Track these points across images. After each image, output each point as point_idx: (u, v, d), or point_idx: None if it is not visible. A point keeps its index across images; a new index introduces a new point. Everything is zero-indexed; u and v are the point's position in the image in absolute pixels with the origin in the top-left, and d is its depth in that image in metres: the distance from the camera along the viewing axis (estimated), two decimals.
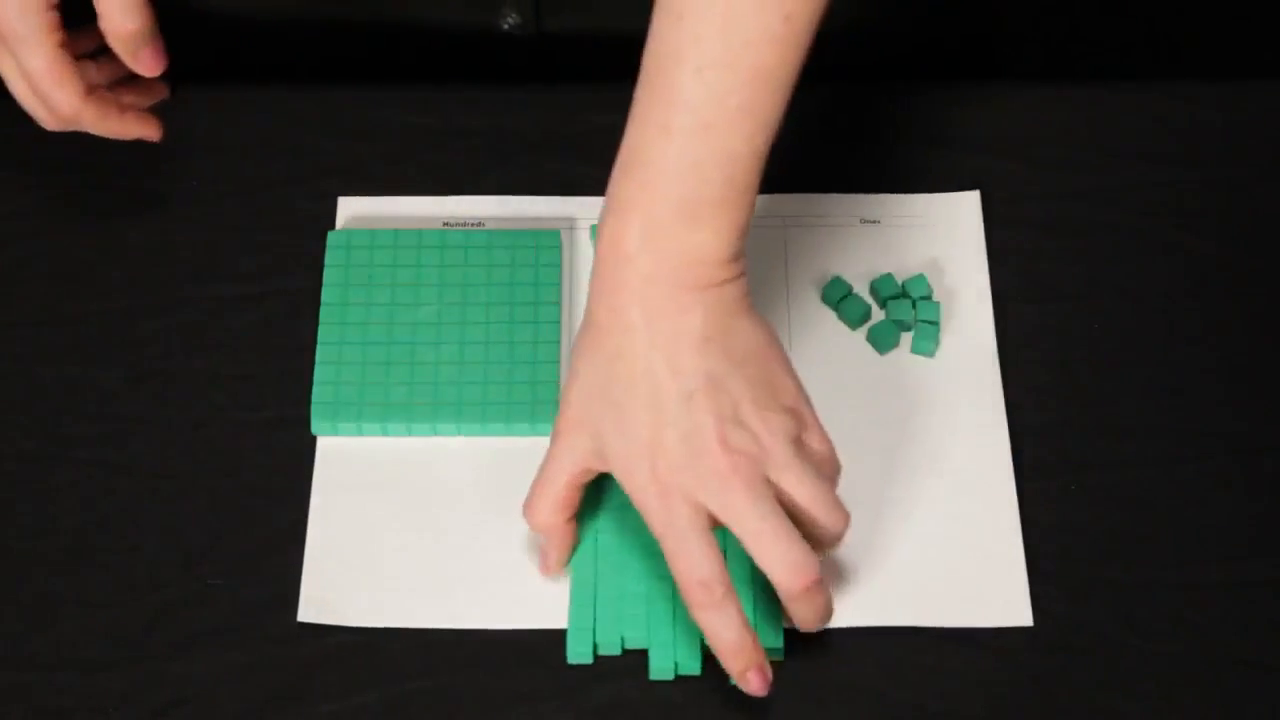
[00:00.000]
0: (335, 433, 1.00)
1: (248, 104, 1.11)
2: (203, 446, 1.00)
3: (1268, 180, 1.09)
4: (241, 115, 1.11)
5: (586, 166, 1.09)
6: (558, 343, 1.03)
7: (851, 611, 0.95)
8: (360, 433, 1.00)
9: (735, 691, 0.92)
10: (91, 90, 0.97)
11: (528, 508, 0.93)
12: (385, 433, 1.00)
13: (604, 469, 0.91)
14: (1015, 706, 0.93)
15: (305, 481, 0.99)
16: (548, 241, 1.06)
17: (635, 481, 0.89)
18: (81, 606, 0.95)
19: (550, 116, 1.11)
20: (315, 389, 1.00)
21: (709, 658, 0.93)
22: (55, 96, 0.95)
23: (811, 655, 0.94)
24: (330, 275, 1.04)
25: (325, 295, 1.04)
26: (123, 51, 0.96)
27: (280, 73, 1.15)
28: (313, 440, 1.00)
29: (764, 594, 0.94)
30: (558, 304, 1.04)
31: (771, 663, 0.93)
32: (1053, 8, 1.19)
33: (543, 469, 0.93)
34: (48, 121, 0.98)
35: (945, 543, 0.97)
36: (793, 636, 0.94)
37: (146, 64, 0.96)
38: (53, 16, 0.94)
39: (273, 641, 0.94)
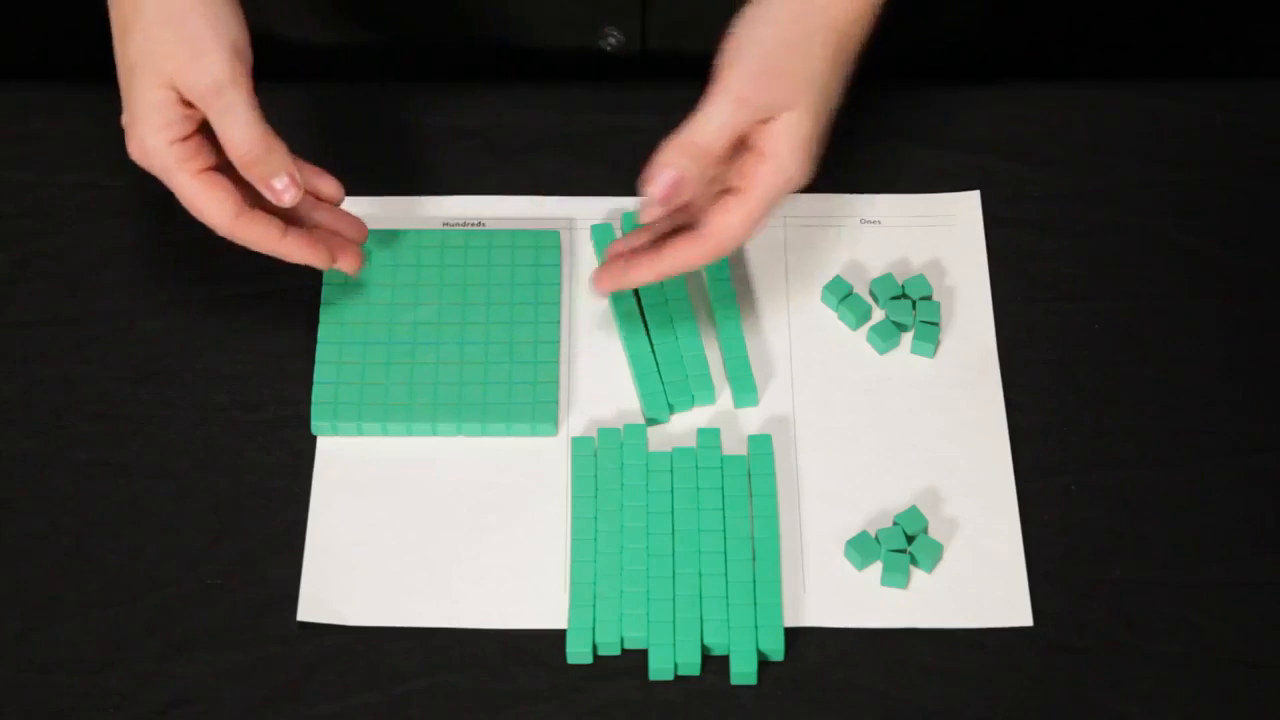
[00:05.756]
0: (335, 433, 1.00)
1: None
2: (203, 446, 1.00)
3: (1268, 180, 1.09)
4: None
5: (586, 166, 1.09)
6: (557, 343, 1.03)
7: (852, 612, 0.95)
8: (360, 433, 1.00)
9: (735, 692, 0.93)
10: (242, 211, 0.95)
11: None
12: (385, 433, 1.00)
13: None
14: (1015, 706, 0.93)
15: (305, 481, 0.99)
16: (548, 241, 1.06)
17: None
18: (81, 606, 0.95)
19: (550, 116, 1.11)
20: (315, 389, 1.00)
21: (709, 658, 0.93)
22: (207, 219, 0.96)
23: (811, 655, 0.94)
24: (330, 275, 1.04)
25: (325, 295, 1.04)
26: (253, 181, 0.96)
27: (280, 73, 1.15)
28: (313, 440, 1.00)
29: (764, 594, 0.94)
30: (558, 304, 1.04)
31: (771, 663, 0.93)
32: (1053, 8, 1.19)
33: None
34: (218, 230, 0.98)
35: (945, 543, 0.97)
36: (793, 637, 0.94)
37: (276, 194, 0.96)
38: (186, 147, 0.95)
39: (273, 641, 0.94)
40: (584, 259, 1.06)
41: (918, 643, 0.94)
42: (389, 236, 1.05)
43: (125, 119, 0.95)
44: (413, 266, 1.05)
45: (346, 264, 1.00)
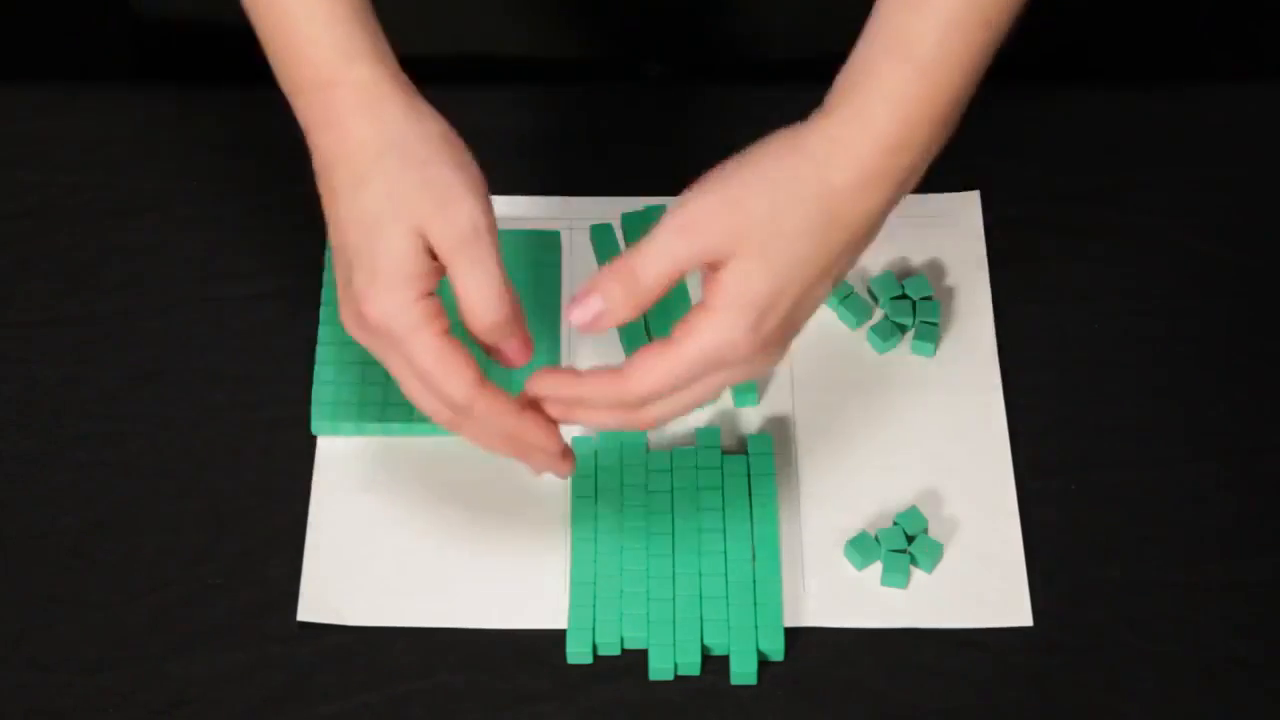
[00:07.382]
0: (335, 433, 1.00)
1: (248, 104, 1.11)
2: (203, 446, 1.00)
3: (1268, 180, 1.09)
4: (242, 115, 1.11)
5: (586, 166, 1.09)
6: (558, 342, 1.03)
7: (852, 612, 0.95)
8: (360, 433, 1.00)
9: (735, 692, 0.93)
10: (481, 380, 0.86)
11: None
12: (385, 433, 1.00)
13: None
14: (1015, 706, 0.93)
15: (305, 481, 0.99)
16: (548, 241, 1.06)
17: None
18: (81, 606, 0.95)
19: (550, 116, 1.11)
20: (315, 389, 1.00)
21: (709, 658, 0.93)
22: (446, 387, 0.85)
23: (811, 655, 0.94)
24: (330, 275, 1.04)
25: (325, 295, 1.04)
26: (487, 341, 0.87)
27: None
28: (313, 440, 1.00)
29: (764, 594, 0.94)
30: (558, 304, 1.04)
31: (771, 663, 0.93)
32: (1052, 8, 1.19)
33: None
34: (440, 415, 0.87)
35: (945, 543, 0.97)
36: (793, 637, 0.94)
37: (506, 357, 0.88)
38: (429, 304, 0.85)
39: (273, 641, 0.94)
40: (584, 259, 1.06)
41: (918, 643, 0.94)
42: None
43: (361, 280, 0.85)
44: None
45: (567, 465, 0.90)
